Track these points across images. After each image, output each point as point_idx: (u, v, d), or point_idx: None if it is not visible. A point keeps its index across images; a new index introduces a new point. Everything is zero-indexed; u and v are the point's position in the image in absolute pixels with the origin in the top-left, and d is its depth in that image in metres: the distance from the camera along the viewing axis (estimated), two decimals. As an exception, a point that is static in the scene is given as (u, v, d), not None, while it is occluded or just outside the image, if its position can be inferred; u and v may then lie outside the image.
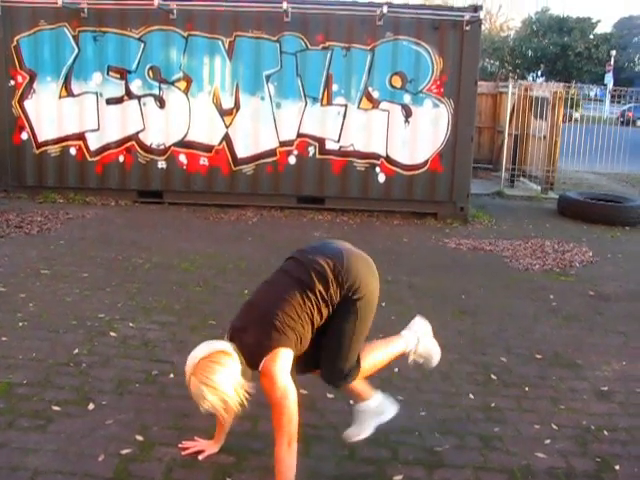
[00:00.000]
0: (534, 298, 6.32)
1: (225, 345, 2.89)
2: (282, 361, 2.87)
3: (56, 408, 3.73)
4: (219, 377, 2.77)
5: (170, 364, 4.39)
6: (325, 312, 3.05)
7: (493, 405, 4.06)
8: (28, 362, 4.32)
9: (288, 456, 2.83)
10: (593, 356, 4.93)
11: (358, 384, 3.39)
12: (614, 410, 4.09)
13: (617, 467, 3.42)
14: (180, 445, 3.38)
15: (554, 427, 3.81)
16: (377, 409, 3.47)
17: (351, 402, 3.93)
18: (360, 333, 3.17)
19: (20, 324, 4.98)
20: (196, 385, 2.77)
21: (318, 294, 3.00)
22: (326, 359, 3.19)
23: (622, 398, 4.25)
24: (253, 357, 2.88)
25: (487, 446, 3.58)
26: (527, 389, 4.31)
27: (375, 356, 3.34)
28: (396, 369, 4.44)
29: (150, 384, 4.10)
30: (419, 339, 3.55)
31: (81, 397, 3.88)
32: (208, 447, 3.36)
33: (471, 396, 4.17)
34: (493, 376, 4.48)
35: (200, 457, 3.29)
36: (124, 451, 3.33)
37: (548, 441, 3.65)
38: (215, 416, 3.13)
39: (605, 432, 3.79)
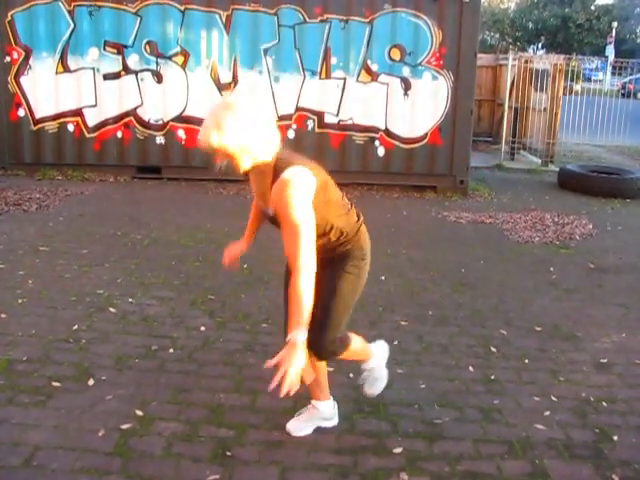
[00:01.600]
0: (534, 271, 6.31)
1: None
2: (308, 180, 2.72)
3: (56, 384, 3.74)
4: (254, 120, 2.64)
5: (169, 339, 4.40)
6: (336, 233, 2.96)
7: (493, 377, 4.07)
8: (28, 338, 4.32)
9: (302, 284, 2.60)
10: (593, 328, 4.93)
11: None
12: (613, 382, 4.09)
13: (615, 438, 3.43)
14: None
15: (553, 399, 3.82)
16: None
17: (350, 375, 3.94)
18: (352, 299, 3.10)
19: (19, 301, 4.98)
20: (222, 112, 2.60)
21: (350, 206, 3.05)
22: (314, 324, 2.83)
23: (621, 370, 4.26)
24: (284, 162, 2.74)
25: (487, 418, 3.59)
26: (527, 361, 4.31)
27: (359, 346, 3.32)
28: (395, 342, 4.45)
29: (149, 359, 4.11)
30: (378, 362, 3.52)
31: (81, 373, 3.89)
32: (236, 248, 3.46)
33: (471, 369, 4.18)
34: (493, 349, 4.49)
35: (226, 261, 3.43)
36: (124, 426, 3.33)
37: (547, 413, 3.66)
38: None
39: (604, 403, 3.80)
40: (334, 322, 3.04)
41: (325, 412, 3.39)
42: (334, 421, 3.44)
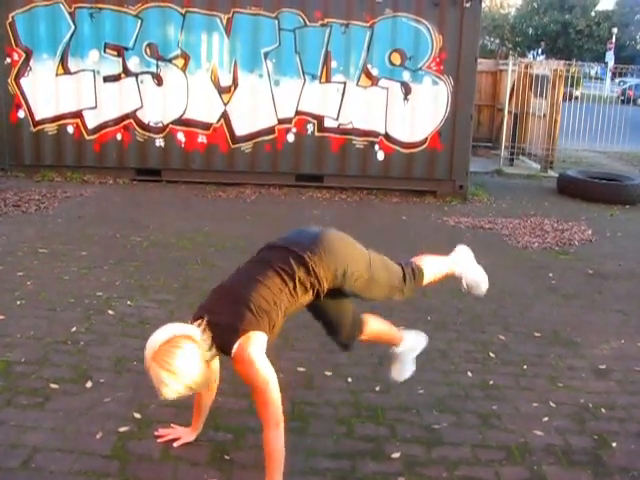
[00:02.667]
0: (533, 276, 6.31)
1: (188, 329, 2.75)
2: (257, 345, 2.74)
3: (54, 386, 3.73)
4: (180, 362, 2.63)
5: (168, 342, 4.38)
6: (306, 298, 2.98)
7: (491, 383, 4.06)
8: (26, 340, 4.32)
9: (277, 439, 2.74)
10: (592, 334, 4.93)
11: (384, 333, 3.56)
12: (612, 388, 4.09)
13: (614, 444, 3.43)
14: (155, 433, 3.28)
15: (552, 405, 3.82)
16: (411, 347, 3.67)
17: (349, 380, 3.93)
18: (365, 294, 3.25)
19: (18, 302, 4.97)
20: (156, 371, 2.62)
21: (297, 280, 2.89)
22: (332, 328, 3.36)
23: (620, 376, 4.25)
24: (225, 341, 2.75)
25: (485, 424, 3.58)
26: (525, 367, 4.31)
27: (432, 268, 3.53)
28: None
29: (148, 362, 4.09)
30: (468, 264, 3.74)
31: (79, 375, 3.88)
32: (184, 434, 3.26)
33: (469, 374, 4.17)
34: (492, 354, 4.48)
35: (175, 444, 3.20)
36: (122, 429, 3.33)
37: (546, 419, 3.65)
38: (192, 403, 3.13)
39: (603, 410, 3.80)
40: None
41: (407, 348, 3.64)
42: (421, 344, 3.72)
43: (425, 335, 3.76)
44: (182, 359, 2.64)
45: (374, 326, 3.47)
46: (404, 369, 3.68)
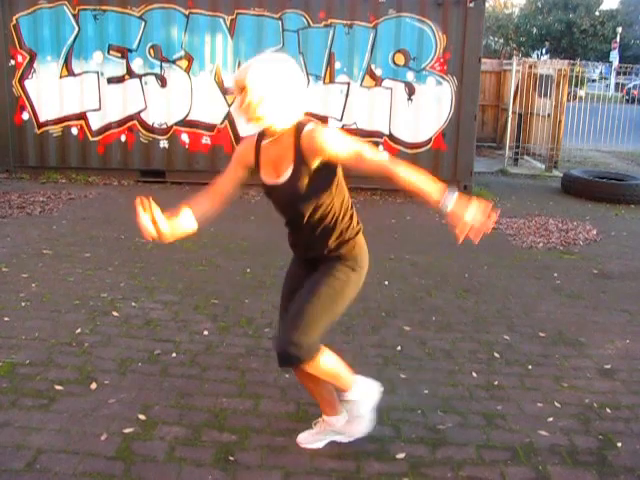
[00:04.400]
0: (538, 276, 6.30)
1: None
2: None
3: (59, 387, 3.74)
4: (285, 75, 2.70)
5: (172, 343, 4.39)
6: (338, 222, 2.92)
7: (496, 383, 4.06)
8: (31, 342, 4.32)
9: (406, 170, 2.66)
10: (597, 334, 4.92)
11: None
12: (617, 388, 4.08)
13: (619, 444, 3.42)
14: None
15: (557, 405, 3.81)
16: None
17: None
18: (332, 306, 2.92)
19: (23, 304, 4.98)
20: (276, 62, 2.72)
21: (352, 207, 2.99)
22: (288, 319, 2.91)
23: (625, 376, 4.24)
24: (301, 122, 2.78)
25: (490, 424, 3.57)
26: (530, 367, 4.30)
27: (333, 366, 3.01)
28: (399, 347, 4.44)
29: (152, 363, 4.10)
30: (366, 401, 3.20)
31: (84, 376, 3.89)
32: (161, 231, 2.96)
33: (474, 374, 4.16)
34: (496, 354, 4.47)
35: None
36: (127, 430, 3.33)
37: (551, 419, 3.64)
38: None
39: (608, 410, 3.78)
40: (306, 323, 2.85)
41: (337, 426, 3.27)
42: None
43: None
44: (299, 84, 2.75)
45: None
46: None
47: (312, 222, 2.90)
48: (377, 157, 2.70)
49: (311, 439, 3.29)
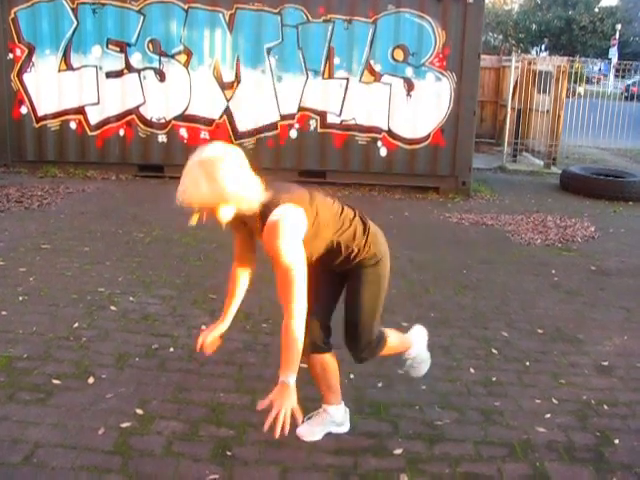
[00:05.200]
0: (536, 273, 6.30)
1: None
2: (297, 219, 2.68)
3: (56, 382, 3.73)
4: (226, 173, 2.52)
5: (170, 338, 4.39)
6: (344, 249, 2.95)
7: (494, 379, 4.06)
8: (28, 336, 4.32)
9: (296, 328, 2.64)
10: (594, 331, 4.92)
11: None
12: (615, 385, 4.08)
13: (617, 441, 3.42)
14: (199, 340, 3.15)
15: (554, 401, 3.81)
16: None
17: (351, 376, 3.93)
18: (377, 302, 3.14)
19: (20, 298, 4.97)
20: (195, 169, 2.53)
21: (355, 220, 3.01)
22: (348, 334, 3.18)
23: (623, 373, 4.25)
24: (270, 203, 2.66)
25: (487, 420, 3.58)
26: (528, 364, 4.30)
27: (394, 343, 3.37)
28: (397, 343, 4.44)
29: (150, 358, 4.10)
30: (420, 348, 3.62)
31: (81, 371, 3.88)
32: (213, 330, 3.19)
33: (472, 370, 4.17)
34: (494, 350, 4.48)
35: (208, 339, 3.14)
36: (124, 424, 3.33)
37: (548, 415, 3.65)
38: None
39: (605, 406, 3.79)
40: (365, 330, 3.13)
41: (336, 417, 3.33)
42: (345, 427, 3.39)
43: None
44: (230, 172, 2.54)
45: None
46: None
47: (321, 258, 2.97)
48: (291, 294, 2.65)
49: (311, 431, 3.31)
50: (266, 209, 2.68)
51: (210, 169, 2.53)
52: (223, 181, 2.52)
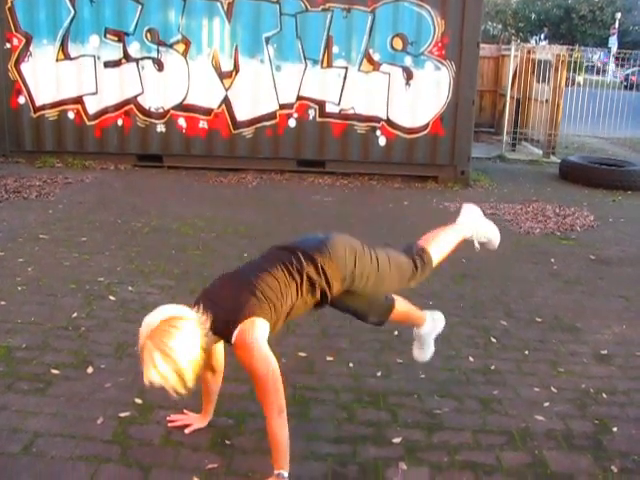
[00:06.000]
0: (535, 262, 6.30)
1: (186, 311, 2.69)
2: (259, 331, 2.71)
3: (55, 371, 3.74)
4: (176, 343, 2.54)
5: (169, 328, 4.38)
6: (312, 299, 2.98)
7: (493, 368, 4.06)
8: (27, 326, 4.32)
9: (281, 427, 2.71)
10: (593, 320, 4.93)
11: (410, 314, 3.61)
12: (613, 373, 4.09)
13: (615, 429, 3.43)
14: (168, 418, 3.27)
15: (553, 390, 3.82)
16: (432, 328, 3.72)
17: (350, 365, 3.93)
18: (378, 288, 3.26)
19: (19, 288, 4.97)
20: (149, 350, 2.53)
21: (305, 277, 2.90)
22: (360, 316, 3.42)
23: (621, 361, 4.25)
24: (226, 325, 2.71)
25: (486, 409, 3.58)
26: (527, 352, 4.31)
27: (440, 246, 3.51)
28: (395, 332, 4.44)
29: (149, 347, 4.10)
30: (476, 223, 3.76)
31: (80, 360, 3.88)
32: (196, 421, 3.25)
33: (471, 359, 4.17)
34: (493, 339, 4.48)
35: (187, 431, 3.19)
36: (123, 414, 3.33)
37: (547, 404, 3.65)
38: (201, 389, 3.12)
39: (604, 395, 3.80)
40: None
41: (426, 329, 3.66)
42: (440, 322, 3.75)
43: (442, 315, 3.80)
44: (179, 340, 2.56)
45: (402, 307, 3.51)
46: (426, 350, 3.72)
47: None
48: (270, 397, 2.70)
49: (425, 351, 3.73)
50: (225, 332, 2.74)
51: (161, 346, 2.54)
52: (176, 355, 2.55)
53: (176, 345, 2.55)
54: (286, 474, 2.70)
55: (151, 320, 2.60)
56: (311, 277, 2.91)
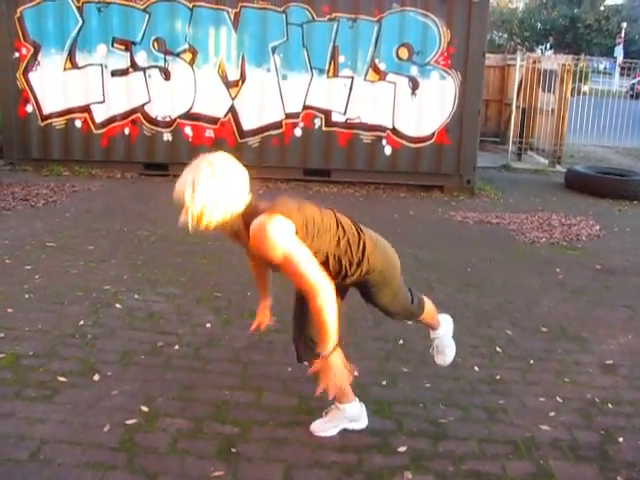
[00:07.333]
0: (540, 271, 6.30)
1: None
2: (281, 223, 2.67)
3: (62, 379, 3.75)
4: (225, 178, 2.64)
5: (175, 336, 4.40)
6: (342, 259, 2.94)
7: (498, 377, 4.06)
8: (34, 333, 4.34)
9: (323, 306, 2.68)
10: (599, 330, 4.92)
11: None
12: (619, 383, 4.08)
13: (621, 439, 3.43)
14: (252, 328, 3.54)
15: (559, 400, 3.82)
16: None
17: (356, 373, 3.94)
18: (398, 288, 3.28)
19: (26, 296, 4.99)
20: (202, 167, 2.65)
21: (349, 235, 2.95)
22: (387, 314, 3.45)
23: (627, 371, 4.25)
24: (254, 211, 2.72)
25: (491, 418, 3.58)
26: (532, 362, 4.31)
27: (430, 309, 3.55)
28: (401, 341, 4.45)
29: (155, 355, 4.12)
30: (447, 331, 3.75)
31: (87, 368, 3.90)
32: (262, 317, 3.55)
33: (476, 368, 4.17)
34: (498, 349, 4.48)
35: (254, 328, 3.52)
36: (129, 421, 3.34)
37: (552, 413, 3.65)
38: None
39: (609, 405, 3.79)
40: (397, 308, 3.37)
41: (350, 413, 3.34)
42: (362, 423, 3.41)
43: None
44: (228, 180, 2.65)
45: (430, 307, 3.55)
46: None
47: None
48: (303, 276, 2.68)
49: (325, 427, 3.34)
50: (248, 218, 2.72)
51: (205, 175, 2.61)
52: (206, 188, 2.60)
53: (223, 180, 2.64)
54: (330, 349, 2.79)
55: (209, 159, 2.71)
56: (351, 242, 2.95)
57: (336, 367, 2.83)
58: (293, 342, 3.32)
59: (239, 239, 2.91)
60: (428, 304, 3.54)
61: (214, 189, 2.60)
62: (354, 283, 3.12)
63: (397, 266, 3.23)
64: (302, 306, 3.05)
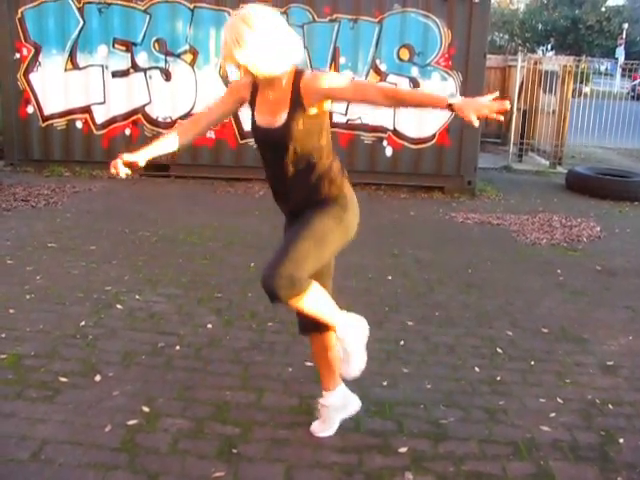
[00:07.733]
0: (541, 272, 6.30)
1: None
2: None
3: (63, 379, 3.75)
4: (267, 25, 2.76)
5: (176, 336, 4.41)
6: (323, 167, 3.03)
7: (498, 378, 4.07)
8: (35, 334, 4.34)
9: (406, 91, 2.93)
10: (599, 331, 4.92)
11: (329, 367, 3.24)
12: (619, 384, 4.09)
13: (621, 440, 3.43)
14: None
15: (559, 401, 3.82)
16: (341, 403, 3.33)
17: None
18: (324, 244, 2.89)
19: (27, 297, 5.00)
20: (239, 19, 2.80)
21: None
22: (278, 252, 2.87)
23: (628, 373, 4.25)
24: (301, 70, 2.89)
25: (492, 419, 3.59)
26: (533, 363, 4.31)
27: (321, 301, 2.94)
28: (402, 342, 4.46)
29: (156, 356, 4.12)
30: (355, 335, 3.07)
31: (88, 369, 3.90)
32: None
33: (477, 369, 4.18)
34: (499, 350, 4.48)
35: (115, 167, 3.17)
36: (130, 422, 3.35)
37: (553, 414, 3.65)
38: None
39: (610, 406, 3.79)
40: (296, 256, 2.80)
41: (334, 402, 3.30)
42: (355, 404, 3.37)
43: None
44: (274, 32, 2.78)
45: (315, 296, 2.90)
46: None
47: (302, 166, 2.96)
48: (377, 84, 2.83)
49: (323, 427, 3.33)
50: (299, 70, 2.87)
51: (248, 28, 2.74)
52: (258, 42, 2.71)
53: (269, 28, 2.77)
54: (451, 101, 2.76)
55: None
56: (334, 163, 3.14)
57: (470, 100, 2.77)
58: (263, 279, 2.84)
59: (240, 98, 3.09)
60: (315, 294, 2.88)
61: (258, 44, 2.72)
62: (316, 202, 2.97)
63: (343, 239, 2.97)
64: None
